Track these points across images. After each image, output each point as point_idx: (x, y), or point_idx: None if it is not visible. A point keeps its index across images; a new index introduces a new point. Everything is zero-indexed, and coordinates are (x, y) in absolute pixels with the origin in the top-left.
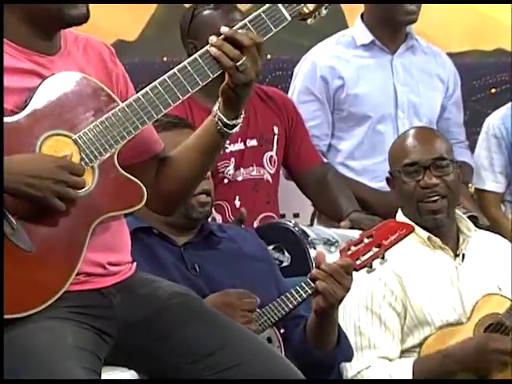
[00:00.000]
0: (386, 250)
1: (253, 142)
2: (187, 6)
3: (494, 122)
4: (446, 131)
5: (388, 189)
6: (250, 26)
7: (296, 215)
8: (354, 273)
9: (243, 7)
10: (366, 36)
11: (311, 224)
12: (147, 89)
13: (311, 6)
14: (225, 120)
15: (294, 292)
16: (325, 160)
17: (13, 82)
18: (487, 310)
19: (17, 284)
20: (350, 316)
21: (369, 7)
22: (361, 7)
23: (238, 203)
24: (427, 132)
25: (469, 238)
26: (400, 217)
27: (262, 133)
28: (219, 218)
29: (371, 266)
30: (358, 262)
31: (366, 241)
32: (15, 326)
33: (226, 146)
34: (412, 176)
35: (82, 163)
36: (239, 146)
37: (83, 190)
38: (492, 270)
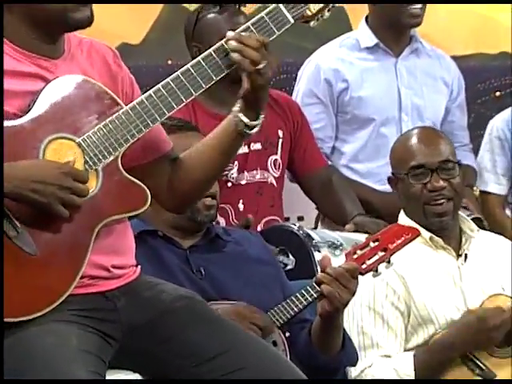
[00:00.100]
0: (391, 254)
1: (257, 146)
2: (192, 9)
3: (497, 124)
4: (450, 134)
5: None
6: (252, 28)
7: (300, 218)
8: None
9: (247, 10)
10: (371, 39)
11: (315, 227)
12: (151, 92)
13: (314, 9)
14: (246, 120)
15: (299, 295)
16: (329, 162)
17: (16, 85)
18: None
19: (22, 287)
20: (352, 316)
21: (373, 10)
22: (364, 9)
23: (241, 207)
24: (431, 133)
25: (471, 238)
26: (402, 217)
27: (266, 136)
28: (223, 222)
29: (377, 270)
30: (364, 266)
31: (371, 245)
32: (20, 329)
33: None
34: (418, 179)
35: (86, 166)
36: (243, 149)
37: None
38: (495, 271)
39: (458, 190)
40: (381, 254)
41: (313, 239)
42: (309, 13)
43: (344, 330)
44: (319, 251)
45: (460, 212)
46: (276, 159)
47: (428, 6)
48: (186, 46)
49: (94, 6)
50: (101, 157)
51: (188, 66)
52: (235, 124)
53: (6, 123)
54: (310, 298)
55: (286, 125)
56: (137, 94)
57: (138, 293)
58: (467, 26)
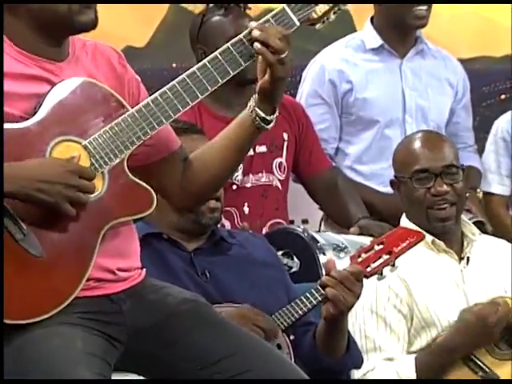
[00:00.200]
0: (396, 258)
1: (262, 149)
2: (197, 12)
3: (502, 125)
4: (455, 135)
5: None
6: None
7: (305, 221)
8: None
9: (253, 13)
10: (376, 40)
11: (319, 230)
12: (156, 94)
13: (320, 11)
14: (262, 115)
15: (303, 298)
16: (333, 164)
17: (22, 88)
18: None
19: (27, 289)
20: (355, 319)
21: (379, 11)
22: (369, 12)
23: (246, 210)
24: (435, 137)
25: (473, 241)
26: (404, 221)
27: (271, 139)
28: (228, 225)
29: (381, 273)
30: (369, 269)
31: (376, 248)
32: (26, 332)
33: None
34: (422, 183)
35: (92, 169)
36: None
37: (93, 195)
38: (497, 274)
39: (461, 194)
40: (385, 257)
41: (318, 242)
42: (314, 15)
43: (349, 332)
44: (324, 254)
45: (462, 215)
46: (281, 162)
47: (432, 9)
48: (190, 48)
49: (99, 9)
50: (107, 159)
51: (193, 68)
52: (251, 119)
53: (12, 126)
54: (314, 301)
55: (291, 127)
56: (143, 94)
57: (144, 296)
58: (472, 28)
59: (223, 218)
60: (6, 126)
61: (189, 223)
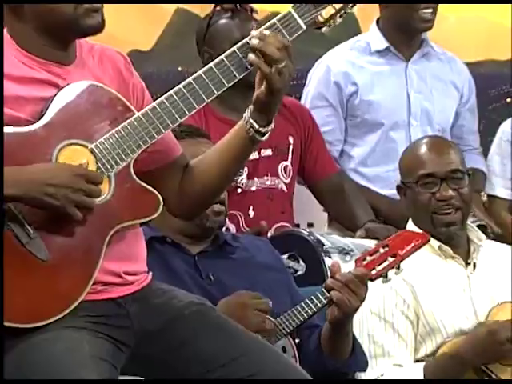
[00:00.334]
0: (401, 260)
1: (267, 152)
2: (202, 15)
3: (508, 128)
4: (460, 138)
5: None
6: None
7: (310, 225)
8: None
9: (259, 16)
10: (381, 42)
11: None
12: (163, 98)
13: (326, 15)
14: (257, 127)
15: (308, 302)
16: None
17: (28, 91)
18: (502, 317)
19: (33, 293)
20: (363, 325)
21: (384, 13)
22: (375, 14)
23: (251, 213)
24: (441, 142)
25: (479, 247)
26: (410, 226)
27: (276, 142)
28: (233, 228)
29: (386, 276)
30: (374, 272)
31: (381, 250)
32: (32, 335)
33: None
34: (428, 187)
35: (99, 172)
36: (253, 155)
37: (100, 198)
38: (504, 279)
39: (466, 199)
40: (390, 259)
41: (323, 245)
42: (321, 19)
43: (354, 335)
44: (330, 257)
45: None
46: (286, 165)
47: (438, 12)
48: (196, 52)
49: (105, 13)
50: (113, 163)
51: (200, 72)
52: (246, 130)
53: (19, 129)
54: (319, 304)
55: (296, 131)
56: (147, 100)
57: (150, 299)
58: (478, 32)
59: (228, 222)
60: (13, 129)
61: (193, 227)
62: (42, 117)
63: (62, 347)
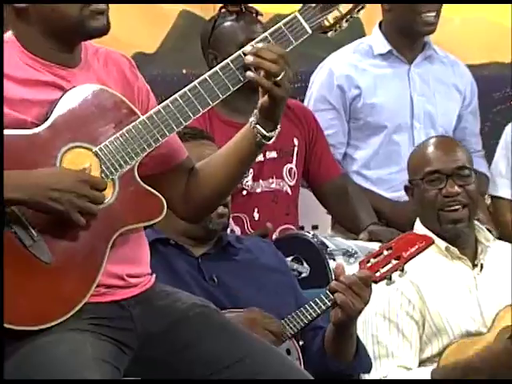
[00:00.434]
0: (405, 263)
1: (272, 154)
2: (207, 18)
3: None
4: (463, 140)
5: (403, 199)
6: (270, 38)
7: (315, 227)
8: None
9: (264, 19)
10: (384, 45)
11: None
12: (167, 102)
13: (332, 19)
14: (263, 132)
15: (312, 304)
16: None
17: (34, 94)
18: (509, 320)
19: (37, 296)
20: (367, 325)
21: (387, 16)
22: (379, 18)
23: (256, 215)
24: (448, 141)
25: (487, 248)
26: (418, 226)
27: (281, 145)
28: (238, 230)
29: (390, 279)
30: (378, 274)
31: (385, 253)
32: (36, 338)
33: None
34: (434, 184)
35: (103, 175)
36: (258, 157)
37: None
38: (511, 281)
39: (473, 196)
40: (394, 262)
41: (327, 247)
42: (326, 23)
43: (358, 337)
44: (334, 259)
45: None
46: (291, 168)
47: (442, 15)
48: (200, 54)
49: (109, 16)
50: (117, 166)
51: (205, 76)
52: (252, 135)
53: (24, 132)
54: (323, 307)
55: (301, 133)
56: (152, 103)
57: (153, 301)
58: (481, 35)
59: (233, 224)
60: (18, 131)
61: (196, 229)
62: (47, 119)
63: (66, 349)
